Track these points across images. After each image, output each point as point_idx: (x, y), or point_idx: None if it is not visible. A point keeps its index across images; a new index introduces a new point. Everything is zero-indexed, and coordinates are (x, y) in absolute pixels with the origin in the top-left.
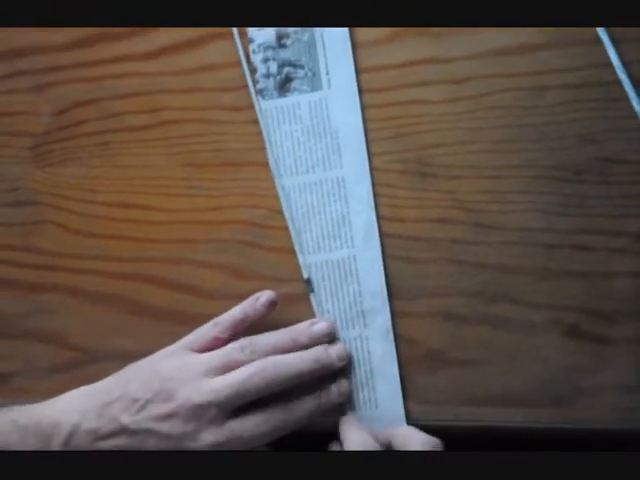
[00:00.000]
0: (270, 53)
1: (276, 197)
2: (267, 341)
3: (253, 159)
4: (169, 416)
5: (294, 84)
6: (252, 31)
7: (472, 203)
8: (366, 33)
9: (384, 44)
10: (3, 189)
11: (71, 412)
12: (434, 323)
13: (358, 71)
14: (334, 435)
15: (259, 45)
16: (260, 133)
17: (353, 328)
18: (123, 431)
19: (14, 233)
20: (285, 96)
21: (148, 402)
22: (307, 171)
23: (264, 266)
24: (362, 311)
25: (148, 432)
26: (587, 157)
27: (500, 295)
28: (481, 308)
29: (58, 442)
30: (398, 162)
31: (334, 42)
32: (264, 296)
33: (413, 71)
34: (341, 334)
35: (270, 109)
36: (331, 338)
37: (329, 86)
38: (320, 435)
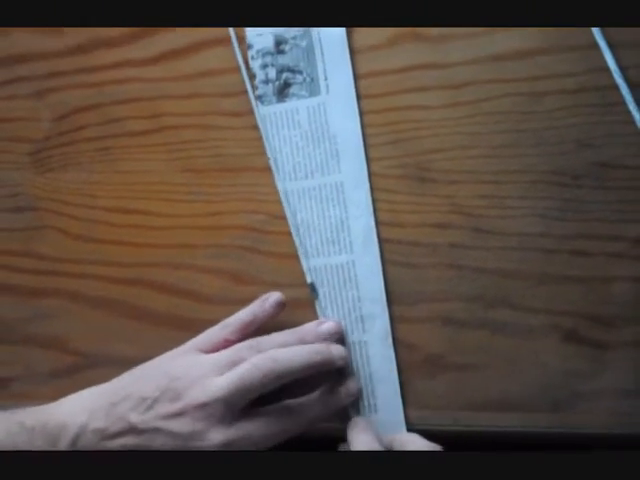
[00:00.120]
0: (269, 59)
1: (275, 202)
2: (274, 341)
3: (252, 164)
4: (177, 415)
5: (293, 90)
6: (251, 37)
7: (471, 208)
8: (364, 38)
9: (382, 49)
10: (3, 195)
11: (78, 413)
12: (433, 328)
13: (356, 76)
14: (338, 440)
15: (258, 51)
16: (259, 139)
17: (352, 333)
18: (131, 430)
19: (14, 239)
20: (284, 101)
21: (156, 401)
22: (306, 176)
23: (263, 271)
24: (361, 316)
25: (156, 431)
26: (585, 162)
27: (499, 300)
28: (480, 313)
29: (65, 443)
30: (397, 167)
31: (332, 48)
32: (272, 297)
33: (411, 76)
34: None
35: (269, 114)
36: (338, 338)
37: (327, 91)
38: (324, 440)
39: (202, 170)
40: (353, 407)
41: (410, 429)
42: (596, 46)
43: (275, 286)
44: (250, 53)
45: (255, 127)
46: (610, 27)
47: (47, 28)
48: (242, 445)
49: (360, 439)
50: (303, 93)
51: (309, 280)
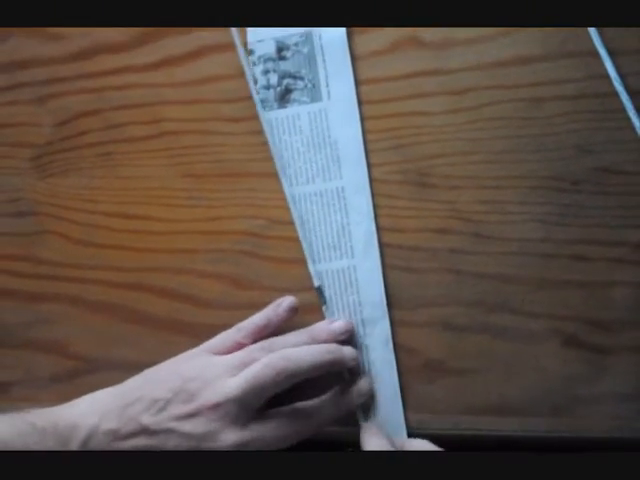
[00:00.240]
0: (270, 65)
1: (275, 207)
2: (286, 341)
3: (252, 170)
4: (191, 416)
5: (294, 95)
6: (252, 43)
7: (471, 213)
8: (365, 45)
9: (383, 56)
10: (5, 200)
11: (90, 414)
12: (433, 333)
13: (358, 83)
14: (346, 444)
15: (259, 57)
16: (259, 144)
17: (352, 340)
18: (143, 431)
19: (15, 243)
20: (285, 107)
21: (169, 402)
22: (307, 182)
23: (263, 276)
24: (362, 320)
25: (169, 432)
26: (585, 168)
27: (499, 305)
28: (480, 318)
29: (76, 444)
30: (398, 173)
31: (334, 54)
32: (286, 302)
33: (412, 82)
34: None
35: (270, 120)
36: (349, 336)
37: (329, 97)
38: (331, 444)
39: (202, 175)
40: (362, 410)
41: (410, 433)
42: (596, 53)
43: (274, 291)
44: (252, 59)
45: (255, 133)
46: (610, 27)
47: (48, 34)
48: (255, 446)
49: (373, 442)
50: (304, 99)
51: (316, 284)
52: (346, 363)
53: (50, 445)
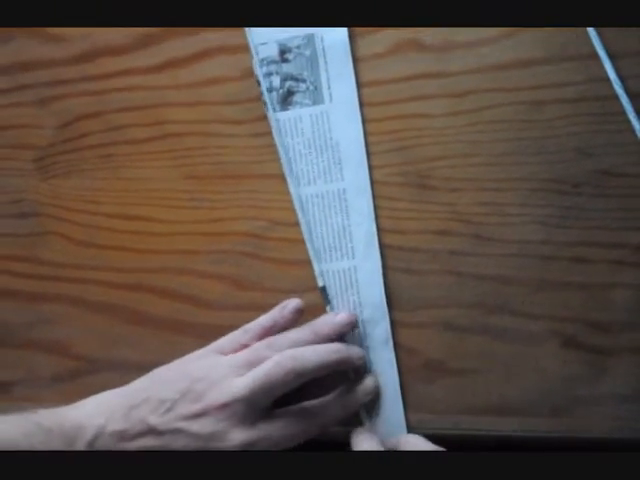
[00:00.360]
0: (273, 67)
1: (276, 209)
2: (290, 337)
3: (254, 172)
4: (198, 416)
5: (296, 98)
6: (255, 46)
7: (471, 215)
8: (367, 47)
9: (385, 58)
10: (7, 201)
11: (96, 415)
12: (433, 333)
13: (359, 85)
14: (346, 445)
15: (262, 60)
16: (261, 146)
17: (356, 338)
18: (150, 432)
19: (18, 244)
20: (287, 109)
21: (176, 403)
22: (309, 183)
23: (264, 277)
24: (362, 321)
25: (177, 432)
26: (585, 170)
27: (499, 306)
28: (480, 319)
29: (82, 444)
30: (398, 175)
31: (336, 56)
32: (291, 304)
33: (413, 85)
34: None
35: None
36: (353, 327)
37: (330, 100)
38: (337, 444)
39: (204, 177)
40: (365, 409)
41: (410, 433)
42: (596, 56)
43: (276, 292)
44: (253, 62)
45: (258, 135)
46: (610, 29)
47: (51, 36)
48: (262, 446)
49: (365, 445)
50: (306, 101)
51: (320, 284)
52: (353, 362)
53: (56, 445)
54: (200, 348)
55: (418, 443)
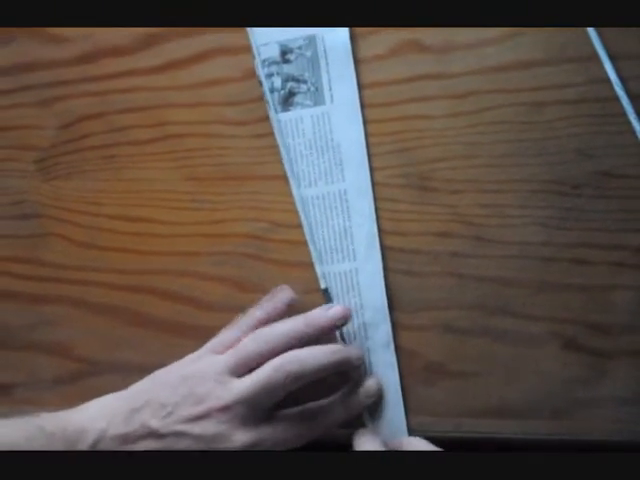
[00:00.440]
0: (274, 68)
1: (278, 211)
2: (282, 328)
3: (256, 173)
4: (200, 418)
5: (297, 99)
6: (256, 47)
7: (472, 217)
8: (368, 49)
9: (386, 60)
10: (9, 202)
11: (98, 418)
12: (434, 335)
13: (360, 86)
14: (348, 447)
15: (263, 61)
16: (263, 147)
17: (355, 340)
18: (151, 435)
19: (19, 245)
20: (288, 110)
21: (177, 406)
22: (310, 184)
23: (265, 278)
24: (364, 323)
25: (178, 435)
26: (586, 171)
27: (499, 308)
28: (481, 321)
29: (84, 448)
30: (399, 176)
31: (337, 58)
32: (282, 294)
33: (414, 86)
34: None
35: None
36: (346, 322)
37: (332, 101)
38: (334, 447)
39: (206, 178)
40: (368, 411)
41: (411, 435)
42: (597, 57)
43: None
44: (256, 62)
45: (259, 136)
46: (611, 30)
47: (52, 37)
48: (265, 447)
49: (367, 446)
50: (308, 102)
51: (323, 286)
52: (352, 363)
53: (58, 449)
54: None
55: (420, 446)
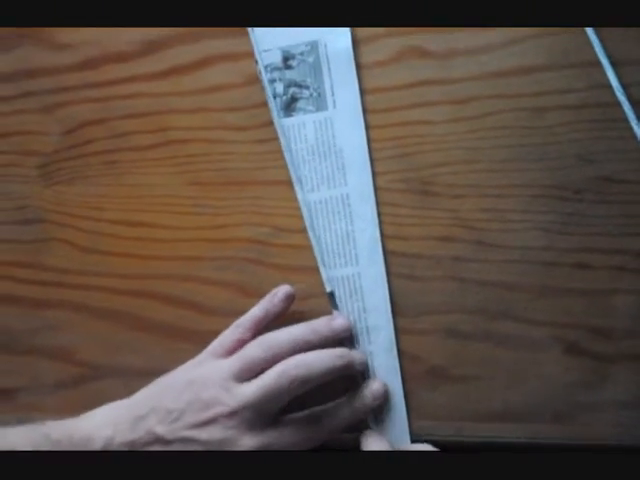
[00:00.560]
0: (277, 74)
1: (280, 215)
2: (287, 335)
3: (258, 178)
4: (206, 424)
5: (300, 104)
6: (259, 53)
7: (474, 221)
8: (370, 55)
9: (388, 65)
10: (12, 207)
11: (104, 426)
12: (437, 340)
13: (362, 92)
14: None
15: (266, 66)
16: (264, 153)
17: (357, 344)
18: (158, 441)
19: (22, 250)
20: (291, 116)
21: (183, 412)
22: (312, 189)
23: (268, 283)
24: (366, 327)
25: (185, 441)
26: (587, 177)
27: (501, 312)
28: (483, 325)
29: None
30: (401, 181)
31: (339, 63)
32: (281, 291)
33: (416, 92)
34: None
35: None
36: (349, 333)
37: (334, 106)
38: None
39: (208, 183)
40: (373, 414)
41: (414, 439)
42: (598, 63)
43: None
44: (258, 68)
45: (261, 141)
46: (611, 31)
47: (55, 43)
48: (274, 449)
49: (375, 446)
50: (310, 108)
51: (328, 289)
52: (355, 367)
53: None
54: None
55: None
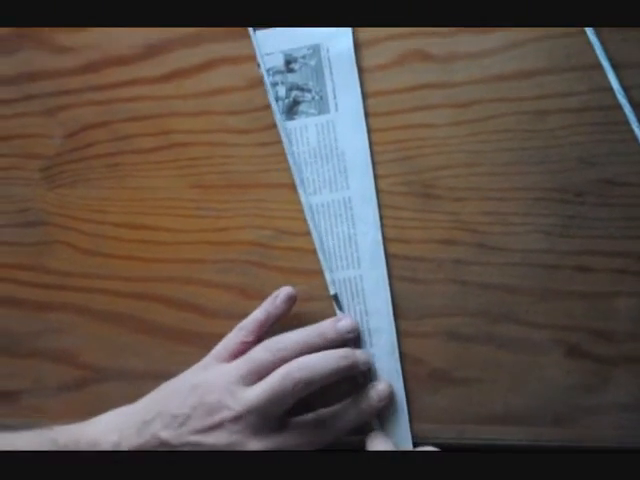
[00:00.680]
0: (279, 77)
1: (282, 218)
2: (293, 338)
3: (260, 181)
4: (212, 429)
5: (302, 107)
6: (261, 56)
7: (475, 224)
8: (372, 58)
9: (390, 69)
10: (14, 210)
11: (110, 431)
12: (438, 343)
13: (364, 95)
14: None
15: (268, 70)
16: (267, 156)
17: (360, 347)
18: (164, 446)
19: (24, 253)
20: (293, 119)
21: (189, 417)
22: (314, 192)
23: (270, 286)
24: (369, 330)
25: (192, 446)
26: (588, 179)
27: (503, 315)
28: (484, 328)
29: None
30: (403, 184)
31: (341, 67)
32: (283, 292)
33: (418, 95)
34: None
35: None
36: (355, 335)
37: (336, 109)
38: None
39: (210, 186)
40: (377, 416)
41: (415, 442)
42: (599, 66)
43: None
44: (260, 71)
45: (263, 144)
46: (612, 32)
47: (58, 46)
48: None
49: (380, 447)
50: (312, 111)
51: (332, 292)
52: (359, 367)
53: None
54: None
55: None
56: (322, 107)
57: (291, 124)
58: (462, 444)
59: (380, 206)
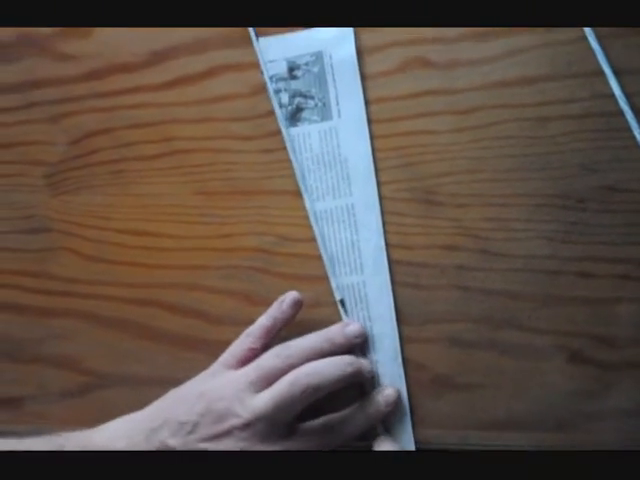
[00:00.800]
0: (282, 84)
1: (285, 225)
2: (302, 344)
3: (263, 187)
4: (220, 436)
5: (305, 114)
6: (264, 63)
7: (478, 230)
8: (375, 65)
9: (392, 76)
10: (18, 217)
11: (118, 438)
12: (441, 348)
13: (367, 102)
14: None
15: (271, 77)
16: (270, 162)
17: (368, 352)
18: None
19: (28, 259)
20: (296, 126)
21: (197, 425)
22: (317, 199)
23: (274, 292)
24: (371, 336)
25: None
26: (590, 186)
27: (506, 321)
28: (487, 334)
29: None
30: (405, 190)
31: (344, 73)
32: (289, 297)
33: (420, 102)
34: None
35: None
36: (363, 340)
37: (339, 116)
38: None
39: (213, 193)
40: (381, 421)
41: (418, 448)
42: (601, 72)
43: None
44: (263, 78)
45: (266, 151)
46: (612, 32)
47: (61, 54)
48: None
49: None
50: (315, 118)
51: (338, 297)
52: (364, 375)
53: None
54: (211, 364)
55: None
56: (325, 114)
57: (294, 131)
58: (464, 449)
59: (383, 212)
